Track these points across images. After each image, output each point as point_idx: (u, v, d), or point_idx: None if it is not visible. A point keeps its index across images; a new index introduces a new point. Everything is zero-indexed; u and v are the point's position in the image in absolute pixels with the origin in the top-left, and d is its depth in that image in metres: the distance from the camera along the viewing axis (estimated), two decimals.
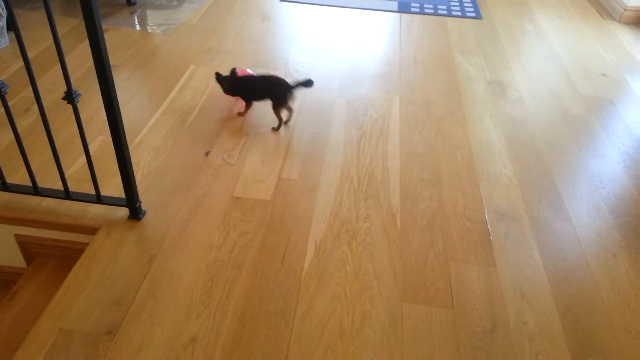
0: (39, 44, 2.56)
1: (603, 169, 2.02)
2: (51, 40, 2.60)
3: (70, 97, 1.38)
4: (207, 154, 1.92)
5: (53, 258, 1.72)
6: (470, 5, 3.32)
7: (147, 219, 1.64)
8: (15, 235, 1.67)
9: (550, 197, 1.86)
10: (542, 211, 1.80)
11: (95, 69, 1.33)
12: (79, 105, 1.42)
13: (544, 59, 2.78)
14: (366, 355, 1.31)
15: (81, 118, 1.47)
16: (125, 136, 1.47)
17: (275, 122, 2.09)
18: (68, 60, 2.44)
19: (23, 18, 2.75)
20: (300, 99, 2.30)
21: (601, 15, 3.31)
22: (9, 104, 2.12)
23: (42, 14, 2.82)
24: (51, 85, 2.25)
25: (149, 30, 2.75)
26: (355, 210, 1.75)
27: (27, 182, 1.62)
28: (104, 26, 2.75)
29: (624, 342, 1.39)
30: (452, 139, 2.13)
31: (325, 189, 1.83)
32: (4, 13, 2.39)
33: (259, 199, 1.76)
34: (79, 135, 1.48)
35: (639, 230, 1.75)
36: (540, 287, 1.52)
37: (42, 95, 2.16)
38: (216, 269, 1.50)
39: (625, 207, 1.85)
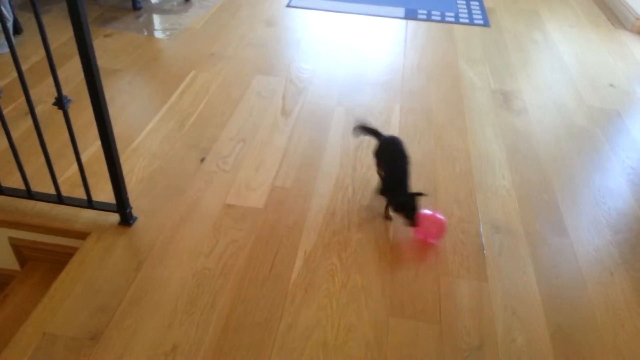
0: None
1: (605, 183, 1.98)
2: (57, 43, 2.63)
3: (60, 102, 1.39)
4: (202, 160, 1.92)
5: (46, 262, 1.74)
6: (479, 12, 3.29)
7: (138, 224, 1.65)
8: (9, 238, 1.69)
9: (548, 211, 1.83)
10: (539, 225, 1.76)
11: (85, 79, 1.34)
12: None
13: (551, 68, 2.73)
14: None
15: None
16: (115, 144, 1.48)
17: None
18: (72, 63, 2.47)
19: (30, 22, 2.79)
20: (298, 106, 2.29)
21: (612, 24, 3.25)
22: (13, 105, 2.17)
23: (49, 18, 2.86)
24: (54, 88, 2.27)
25: (154, 35, 2.76)
26: (347, 220, 1.73)
27: (22, 185, 1.64)
28: (108, 30, 2.78)
29: None
30: (451, 149, 2.10)
31: (319, 197, 1.82)
32: (10, 17, 2.43)
33: (251, 207, 1.75)
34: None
35: (638, 247, 1.71)
36: (532, 304, 1.49)
37: (44, 98, 2.20)
38: (203, 277, 1.50)
39: (626, 223, 1.80)
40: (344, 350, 1.34)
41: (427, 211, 1.66)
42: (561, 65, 2.77)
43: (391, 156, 1.76)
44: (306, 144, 2.07)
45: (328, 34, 2.93)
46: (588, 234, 1.74)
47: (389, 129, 2.18)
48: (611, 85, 2.62)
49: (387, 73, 2.60)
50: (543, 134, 2.22)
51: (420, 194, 1.64)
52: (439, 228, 1.66)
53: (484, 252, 1.64)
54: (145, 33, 2.77)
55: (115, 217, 1.65)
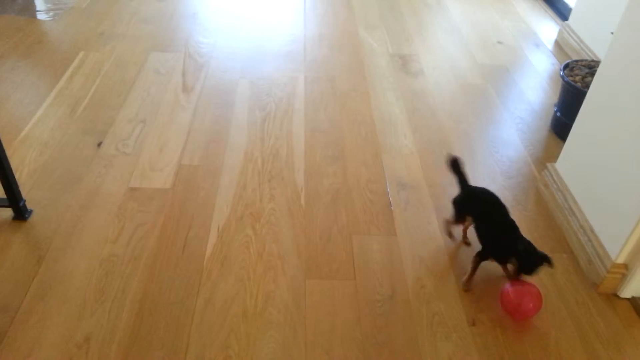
0: None
1: (498, 133, 2.12)
2: None
3: None
4: (99, 144, 1.83)
5: None
6: None
7: (35, 218, 1.55)
8: None
9: None
10: (439, 178, 1.86)
11: None
12: None
13: (444, 30, 2.86)
14: (269, 335, 1.31)
15: None
16: None
17: None
18: None
19: None
20: (200, 81, 2.23)
21: None
22: None
23: None
24: None
25: (35, 17, 2.56)
26: (259, 192, 1.73)
27: None
28: None
29: None
30: (356, 114, 2.15)
31: (229, 172, 1.80)
32: None
33: (157, 188, 1.70)
34: None
35: (528, 189, 1.86)
36: (437, 252, 1.58)
37: None
38: (111, 264, 1.44)
39: (517, 168, 1.95)
40: (263, 316, 1.35)
41: (508, 286, 1.40)
42: (453, 26, 2.90)
43: (487, 209, 1.49)
44: (212, 120, 2.03)
45: (225, 6, 2.86)
46: (484, 182, 1.86)
47: (295, 99, 2.19)
48: (499, 42, 2.78)
49: (290, 43, 2.59)
50: (439, 94, 2.33)
51: (547, 260, 1.35)
52: (533, 298, 1.38)
53: (392, 208, 1.71)
54: (26, 15, 2.56)
55: (8, 213, 1.54)
